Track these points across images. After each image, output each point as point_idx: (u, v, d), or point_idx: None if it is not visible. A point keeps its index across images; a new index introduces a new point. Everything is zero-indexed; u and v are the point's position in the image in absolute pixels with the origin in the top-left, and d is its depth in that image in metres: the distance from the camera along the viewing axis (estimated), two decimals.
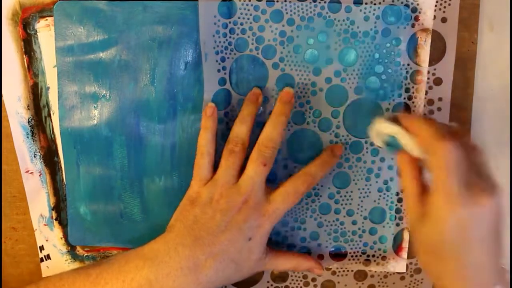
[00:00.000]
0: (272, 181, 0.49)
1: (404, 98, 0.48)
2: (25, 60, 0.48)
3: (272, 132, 0.45)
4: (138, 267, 0.43)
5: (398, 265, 0.51)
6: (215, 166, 0.46)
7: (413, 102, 0.48)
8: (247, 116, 0.46)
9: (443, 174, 0.38)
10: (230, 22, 0.46)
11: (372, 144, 0.48)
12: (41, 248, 0.52)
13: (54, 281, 0.44)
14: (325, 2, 0.46)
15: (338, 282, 0.51)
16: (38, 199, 0.51)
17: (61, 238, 0.52)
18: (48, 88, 0.49)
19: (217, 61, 0.47)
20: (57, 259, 0.52)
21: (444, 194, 0.38)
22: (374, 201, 0.50)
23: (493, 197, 0.38)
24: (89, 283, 0.43)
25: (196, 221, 0.44)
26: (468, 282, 0.39)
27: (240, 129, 0.45)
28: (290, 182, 0.46)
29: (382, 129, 0.43)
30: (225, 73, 0.47)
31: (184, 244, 0.44)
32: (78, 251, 0.52)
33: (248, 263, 0.45)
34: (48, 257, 0.52)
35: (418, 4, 0.46)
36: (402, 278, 0.51)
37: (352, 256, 0.51)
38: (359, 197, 0.50)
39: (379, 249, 0.51)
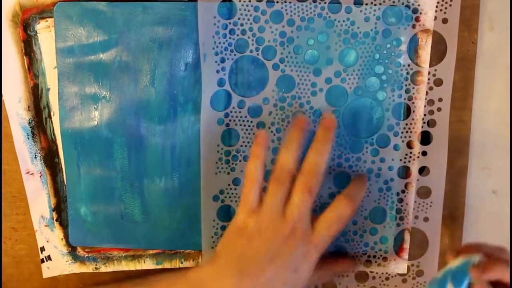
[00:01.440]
0: None
1: (405, 99, 0.48)
2: (25, 61, 0.48)
3: (316, 159, 0.44)
4: None
5: (399, 266, 0.51)
6: None
7: (413, 103, 0.48)
8: (294, 144, 0.44)
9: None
10: (230, 23, 0.46)
11: (372, 144, 0.48)
12: (42, 249, 0.52)
13: None
14: (325, 3, 0.46)
15: (339, 283, 0.51)
16: (39, 200, 0.51)
17: (61, 239, 0.52)
18: (48, 89, 0.49)
19: (216, 61, 0.47)
20: (57, 260, 0.52)
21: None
22: (375, 201, 0.50)
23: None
24: None
25: (243, 252, 0.44)
26: None
27: (287, 156, 0.44)
28: (332, 208, 0.45)
29: None
30: (224, 74, 0.47)
31: (231, 275, 0.43)
32: (78, 252, 0.52)
33: None
34: (49, 258, 0.52)
35: (419, 5, 0.46)
36: (404, 280, 0.51)
37: (353, 257, 0.51)
38: None
39: (380, 250, 0.51)
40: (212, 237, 0.50)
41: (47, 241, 0.52)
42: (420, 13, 0.46)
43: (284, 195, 0.44)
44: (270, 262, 0.43)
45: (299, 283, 0.44)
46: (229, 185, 0.49)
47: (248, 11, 0.46)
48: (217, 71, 0.47)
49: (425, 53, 0.47)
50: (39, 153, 0.50)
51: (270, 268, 0.43)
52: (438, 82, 0.47)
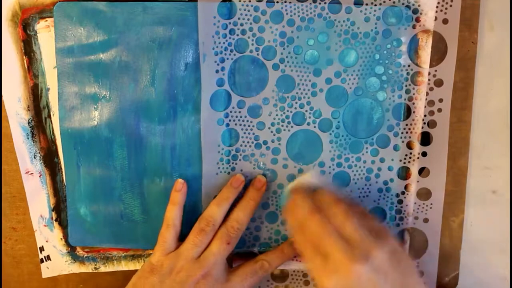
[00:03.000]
0: (271, 180, 0.49)
1: (405, 99, 0.48)
2: (25, 61, 0.48)
3: (240, 215, 0.47)
4: None
5: None
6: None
7: (413, 103, 0.48)
8: (225, 200, 0.48)
9: (325, 238, 0.41)
10: (230, 23, 0.46)
11: (372, 144, 0.48)
12: (41, 249, 0.52)
13: None
14: (325, 3, 0.46)
15: None
16: (38, 200, 0.51)
17: (61, 239, 0.52)
18: (48, 89, 0.49)
19: (215, 61, 0.47)
20: (57, 260, 0.52)
21: (337, 252, 0.40)
22: (374, 201, 0.50)
23: (382, 249, 0.40)
24: None
25: None
26: None
27: (215, 211, 0.47)
28: (249, 264, 0.48)
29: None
30: (223, 74, 0.47)
31: None
32: (78, 252, 0.52)
33: None
34: (48, 258, 0.52)
35: (419, 5, 0.46)
36: None
37: None
38: (359, 197, 0.50)
39: None
40: None
41: (47, 241, 0.52)
42: (421, 14, 0.46)
43: (205, 244, 0.47)
44: None
45: None
46: None
47: (248, 11, 0.46)
48: (217, 71, 0.47)
49: (426, 54, 0.47)
50: (39, 153, 0.50)
51: None
52: (439, 83, 0.47)
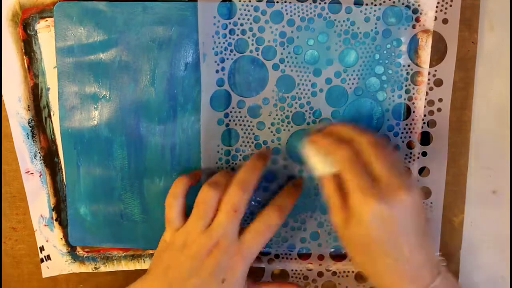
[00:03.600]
0: (271, 181, 0.49)
1: (405, 99, 0.48)
2: (25, 61, 0.48)
3: (245, 176, 0.44)
4: None
5: None
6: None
7: (413, 103, 0.48)
8: (227, 173, 0.46)
9: (347, 173, 0.40)
10: (230, 23, 0.46)
11: None
12: (41, 248, 0.52)
13: None
14: (325, 3, 0.46)
15: (339, 284, 0.51)
16: (38, 200, 0.51)
17: (61, 238, 0.52)
18: (48, 89, 0.49)
19: (215, 61, 0.47)
20: (57, 259, 0.52)
21: (357, 191, 0.39)
22: None
23: (410, 193, 0.39)
24: None
25: (169, 266, 0.45)
26: (403, 277, 0.40)
27: (217, 177, 0.45)
28: (259, 218, 0.45)
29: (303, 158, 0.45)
30: (223, 74, 0.47)
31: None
32: (78, 251, 0.52)
33: None
34: (48, 257, 0.52)
35: (419, 5, 0.46)
36: None
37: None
38: None
39: None
40: None
41: (47, 241, 0.52)
42: (420, 14, 0.46)
43: (207, 215, 0.44)
44: (196, 274, 0.44)
45: None
46: None
47: (248, 11, 0.46)
48: (216, 71, 0.47)
49: (425, 54, 0.47)
50: (39, 152, 0.50)
51: (195, 281, 0.44)
52: (438, 83, 0.47)
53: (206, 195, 0.44)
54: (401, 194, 0.39)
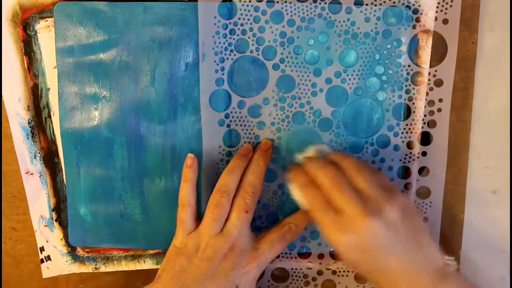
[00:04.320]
0: (270, 180, 0.49)
1: (405, 100, 0.48)
2: (25, 61, 0.48)
3: (251, 178, 0.46)
4: None
5: None
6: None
7: (413, 103, 0.48)
8: (236, 168, 0.46)
9: (334, 193, 0.42)
10: (230, 23, 0.46)
11: (372, 144, 0.48)
12: (42, 249, 0.52)
13: None
14: (325, 3, 0.46)
15: (339, 283, 0.51)
16: (39, 200, 0.51)
17: (61, 239, 0.52)
18: (48, 89, 0.49)
19: (215, 61, 0.47)
20: (57, 260, 0.52)
21: (351, 208, 0.41)
22: None
23: (395, 204, 0.41)
24: None
25: (182, 270, 0.44)
26: (405, 281, 0.41)
27: (227, 180, 0.46)
28: (276, 230, 0.47)
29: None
30: (223, 74, 0.47)
31: None
32: (78, 252, 0.52)
33: None
34: (48, 258, 0.52)
35: (419, 6, 0.46)
36: None
37: None
38: None
39: None
40: None
41: (47, 241, 0.52)
42: (421, 14, 0.46)
43: (223, 217, 0.45)
44: (211, 278, 0.44)
45: None
46: None
47: (248, 11, 0.46)
48: (216, 71, 0.47)
49: (426, 54, 0.47)
50: (39, 153, 0.50)
51: (210, 285, 0.44)
52: (439, 83, 0.47)
53: (219, 199, 0.45)
54: (387, 207, 0.41)
